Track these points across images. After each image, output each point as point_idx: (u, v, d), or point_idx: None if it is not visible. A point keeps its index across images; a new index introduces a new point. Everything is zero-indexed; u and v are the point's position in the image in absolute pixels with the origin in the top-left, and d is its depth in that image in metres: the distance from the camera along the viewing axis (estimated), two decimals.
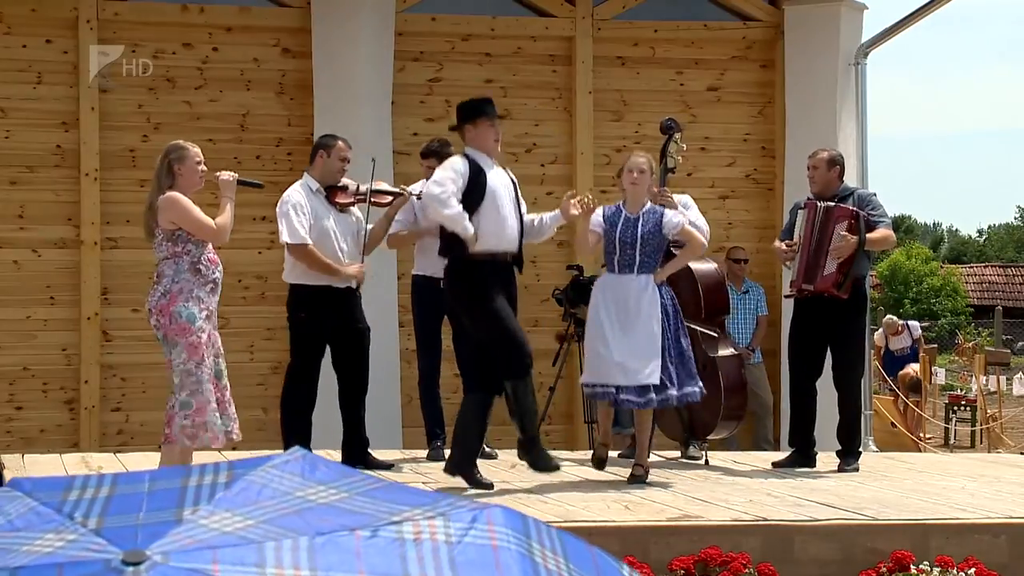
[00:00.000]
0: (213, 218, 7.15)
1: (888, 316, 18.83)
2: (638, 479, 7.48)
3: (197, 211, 7.10)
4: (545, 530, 2.21)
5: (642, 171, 7.51)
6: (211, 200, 7.52)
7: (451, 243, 7.08)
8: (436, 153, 8.30)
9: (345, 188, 8.02)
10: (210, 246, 7.20)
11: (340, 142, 8.05)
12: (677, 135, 8.63)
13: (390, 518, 2.11)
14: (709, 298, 8.53)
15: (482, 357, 7.17)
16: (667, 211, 7.61)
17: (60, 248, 10.53)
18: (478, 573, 2.04)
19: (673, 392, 7.39)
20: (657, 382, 7.33)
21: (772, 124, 11.58)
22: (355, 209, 8.03)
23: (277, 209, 7.93)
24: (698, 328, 8.29)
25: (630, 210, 7.52)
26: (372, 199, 8.03)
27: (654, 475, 7.95)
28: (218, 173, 7.34)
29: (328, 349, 7.99)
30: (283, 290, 10.40)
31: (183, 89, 10.70)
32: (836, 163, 8.37)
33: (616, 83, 11.38)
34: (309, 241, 7.82)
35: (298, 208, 7.83)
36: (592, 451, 7.66)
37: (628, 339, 7.34)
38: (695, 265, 8.49)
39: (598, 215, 7.51)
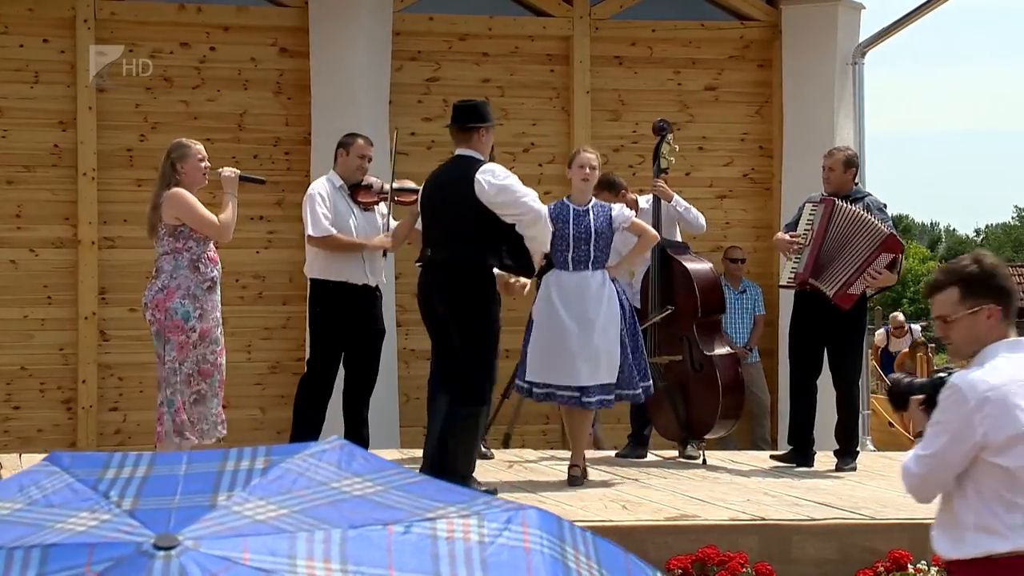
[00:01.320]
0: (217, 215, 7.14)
1: (896, 313, 18.67)
2: (576, 480, 7.34)
3: (201, 207, 7.08)
4: (579, 534, 2.19)
5: (593, 167, 7.57)
6: (210, 200, 7.50)
7: (511, 255, 6.93)
8: None
9: (369, 187, 8.03)
10: (211, 244, 7.17)
11: (360, 140, 8.07)
12: (669, 136, 8.69)
13: (424, 514, 2.09)
14: (705, 298, 8.51)
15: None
16: (614, 205, 7.64)
17: (57, 248, 10.48)
18: (509, 575, 2.02)
19: (627, 391, 7.39)
20: (615, 380, 7.34)
21: (770, 124, 11.53)
22: (382, 207, 8.02)
23: (303, 204, 7.98)
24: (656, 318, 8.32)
25: (578, 204, 7.56)
26: (396, 198, 8.02)
27: (653, 474, 7.94)
28: (220, 169, 7.33)
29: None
30: (281, 289, 10.71)
31: (180, 89, 10.64)
32: (852, 164, 8.39)
33: (614, 83, 11.32)
34: (332, 231, 7.79)
35: (320, 199, 7.84)
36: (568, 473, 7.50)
37: (591, 337, 7.28)
38: (691, 264, 8.53)
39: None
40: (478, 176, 6.88)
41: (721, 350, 8.55)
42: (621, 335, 7.37)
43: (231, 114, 10.72)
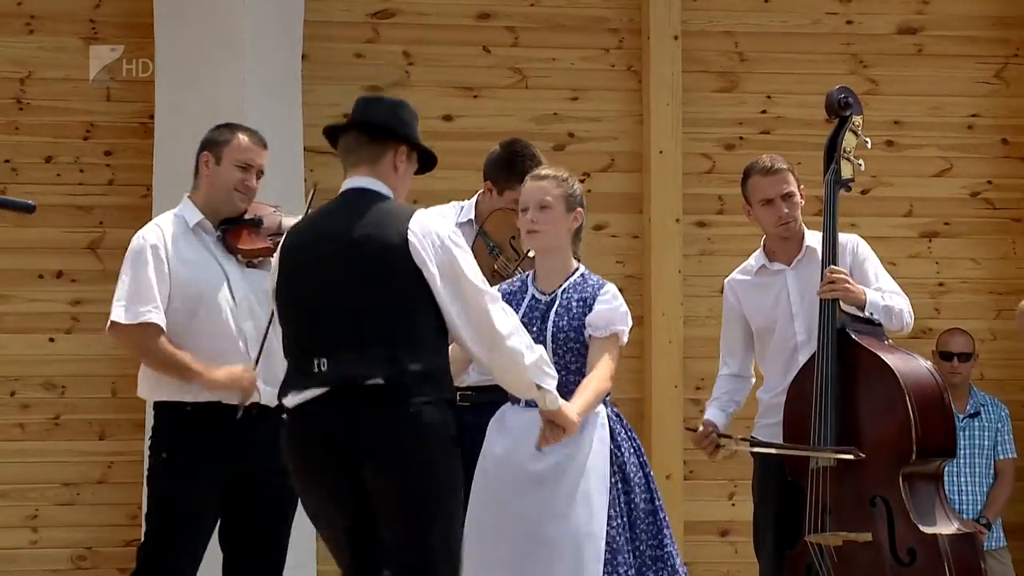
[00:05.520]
0: None
1: None
2: None
3: None
4: None
5: (544, 206, 7.59)
6: None
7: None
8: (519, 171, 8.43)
9: (257, 224, 8.17)
10: None
11: (241, 135, 8.25)
12: (857, 119, 8.72)
13: None
14: (926, 425, 8.25)
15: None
16: (604, 292, 7.66)
17: None
18: None
19: None
20: None
21: (1021, 96, 11.50)
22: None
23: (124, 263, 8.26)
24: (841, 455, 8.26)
25: (540, 285, 7.68)
26: None
27: None
28: None
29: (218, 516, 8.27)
30: (97, 410, 10.63)
31: None
32: None
33: (725, 20, 11.31)
34: (153, 320, 7.93)
35: (144, 260, 8.01)
36: None
37: (528, 521, 7.47)
38: (896, 361, 8.36)
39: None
40: (413, 227, 6.96)
41: (948, 526, 8.35)
42: (613, 520, 7.48)
43: (2, 79, 10.69)
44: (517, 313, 7.54)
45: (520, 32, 10.94)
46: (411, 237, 6.91)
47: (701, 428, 8.48)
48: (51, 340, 10.34)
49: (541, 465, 7.42)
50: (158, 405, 8.06)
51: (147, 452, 8.17)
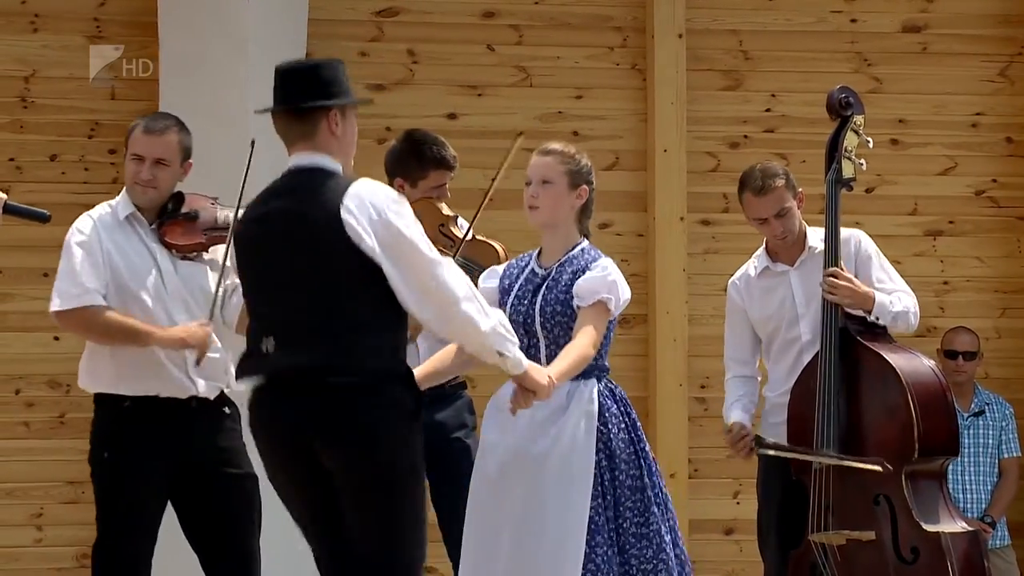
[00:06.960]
0: None
1: None
2: None
3: None
4: None
5: (546, 181, 7.52)
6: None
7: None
8: (439, 161, 8.53)
9: (193, 217, 8.08)
10: None
11: (138, 127, 8.07)
12: (859, 119, 8.67)
13: None
14: (931, 423, 8.23)
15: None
16: (596, 264, 7.56)
17: None
18: None
19: None
20: None
21: None
22: (218, 253, 8.13)
23: None
24: (868, 465, 8.22)
25: (542, 260, 7.63)
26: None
27: None
28: None
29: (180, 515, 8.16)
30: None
31: None
32: None
33: (730, 18, 11.30)
34: (94, 300, 7.87)
35: (71, 250, 7.96)
36: None
37: (507, 523, 7.44)
38: (903, 364, 8.35)
39: (492, 276, 7.68)
40: (347, 202, 6.72)
41: (952, 524, 8.35)
42: (595, 499, 7.39)
43: (6, 77, 10.69)
44: (513, 289, 7.58)
45: (524, 30, 10.98)
46: (344, 213, 6.72)
47: (733, 430, 8.46)
48: (56, 338, 10.26)
49: (528, 452, 7.38)
50: (98, 399, 8.02)
51: (89, 451, 8.10)
